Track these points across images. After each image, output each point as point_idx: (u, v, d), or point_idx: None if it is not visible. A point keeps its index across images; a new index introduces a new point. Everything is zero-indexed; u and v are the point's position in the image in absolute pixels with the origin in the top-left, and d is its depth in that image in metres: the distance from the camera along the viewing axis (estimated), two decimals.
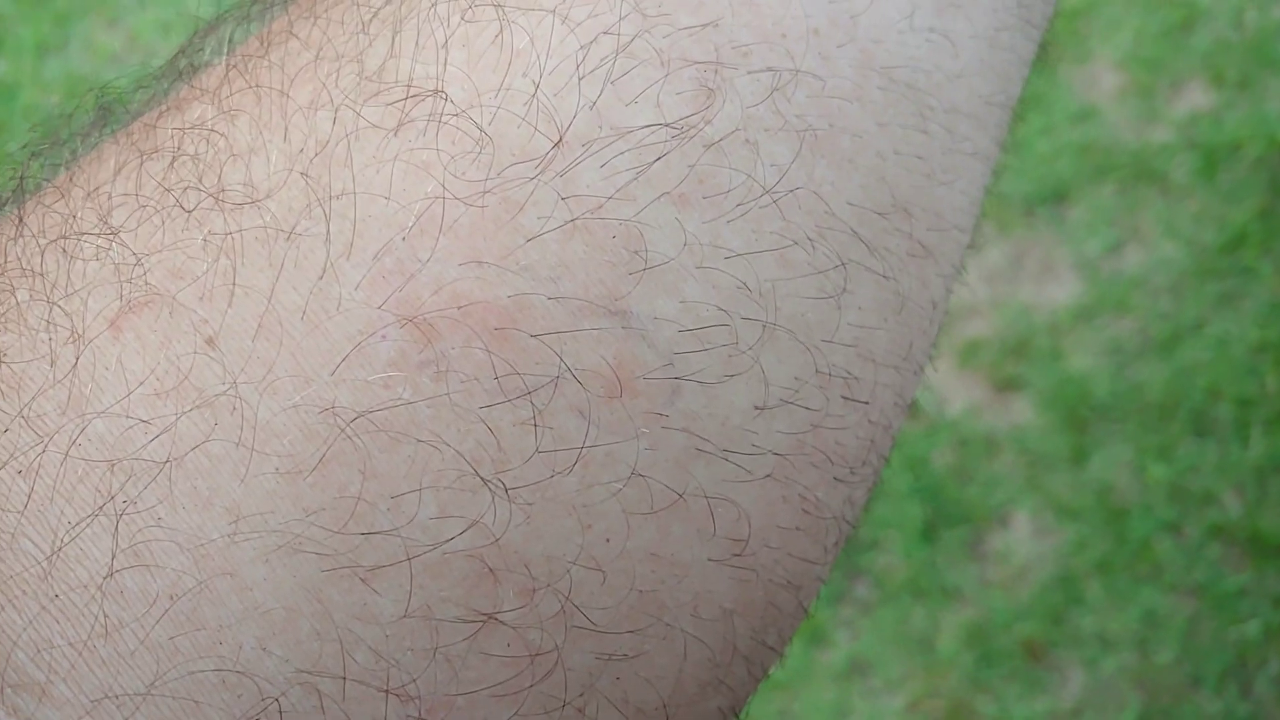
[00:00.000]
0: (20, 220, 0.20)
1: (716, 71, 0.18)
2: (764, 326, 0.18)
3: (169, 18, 2.10)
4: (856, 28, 0.19)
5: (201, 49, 0.22)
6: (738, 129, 0.18)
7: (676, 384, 0.18)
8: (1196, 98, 1.68)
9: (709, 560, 0.18)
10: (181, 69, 0.22)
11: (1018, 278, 1.57)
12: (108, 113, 0.22)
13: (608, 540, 0.17)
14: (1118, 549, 1.37)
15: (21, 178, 0.21)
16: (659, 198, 0.18)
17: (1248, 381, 1.46)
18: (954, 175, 0.21)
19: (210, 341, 0.18)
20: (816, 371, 0.19)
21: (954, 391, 1.49)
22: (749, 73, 0.18)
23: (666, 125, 0.18)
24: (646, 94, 0.18)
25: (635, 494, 0.18)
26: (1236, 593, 1.33)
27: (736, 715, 0.20)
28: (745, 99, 0.18)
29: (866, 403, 0.20)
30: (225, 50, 0.21)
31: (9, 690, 0.17)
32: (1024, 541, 1.39)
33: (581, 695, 0.18)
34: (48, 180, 0.21)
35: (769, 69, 0.18)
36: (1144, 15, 1.74)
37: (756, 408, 0.18)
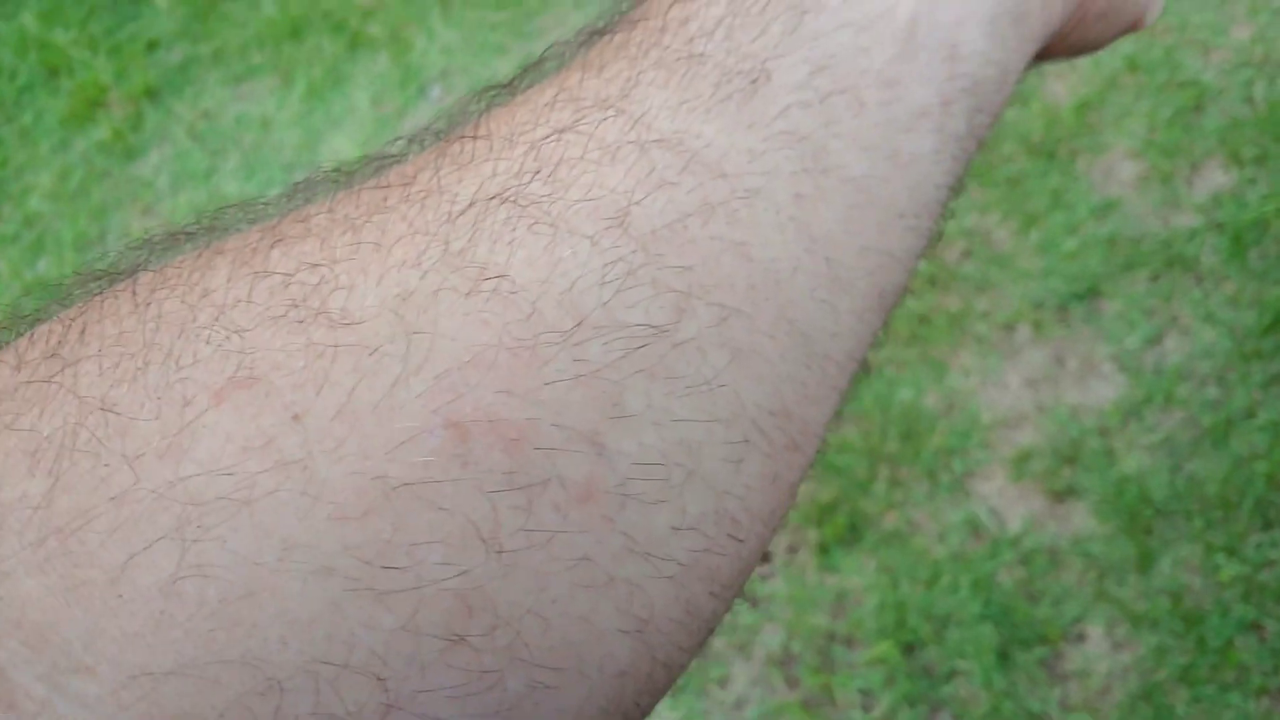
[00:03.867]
0: (135, 298, 0.25)
1: (687, 299, 0.25)
2: (688, 472, 0.25)
3: (200, 200, 2.16)
4: (779, 291, 0.27)
5: (298, 193, 0.28)
6: (694, 338, 0.25)
7: (625, 499, 0.24)
8: (1216, 178, 1.68)
9: (619, 630, 0.24)
10: (284, 209, 0.28)
11: (1060, 380, 1.56)
12: (218, 224, 0.28)
13: (554, 600, 0.23)
14: (1199, 655, 1.35)
15: (137, 263, 0.27)
16: (637, 372, 0.24)
17: None
18: (821, 400, 0.28)
19: (296, 418, 0.22)
20: (716, 511, 0.26)
21: (1011, 506, 1.48)
22: (707, 304, 0.25)
23: (651, 326, 0.25)
24: (641, 304, 0.25)
25: (582, 571, 0.24)
26: None
27: None
28: (702, 321, 0.25)
29: (743, 541, 0.26)
30: (324, 199, 0.27)
31: (58, 674, 0.21)
32: (1102, 656, 1.37)
33: (511, 709, 0.23)
34: (155, 269, 0.26)
35: (720, 304, 0.26)
36: (1154, 101, 1.75)
37: (674, 528, 0.25)
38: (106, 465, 0.22)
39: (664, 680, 0.26)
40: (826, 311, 0.27)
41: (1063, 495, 1.48)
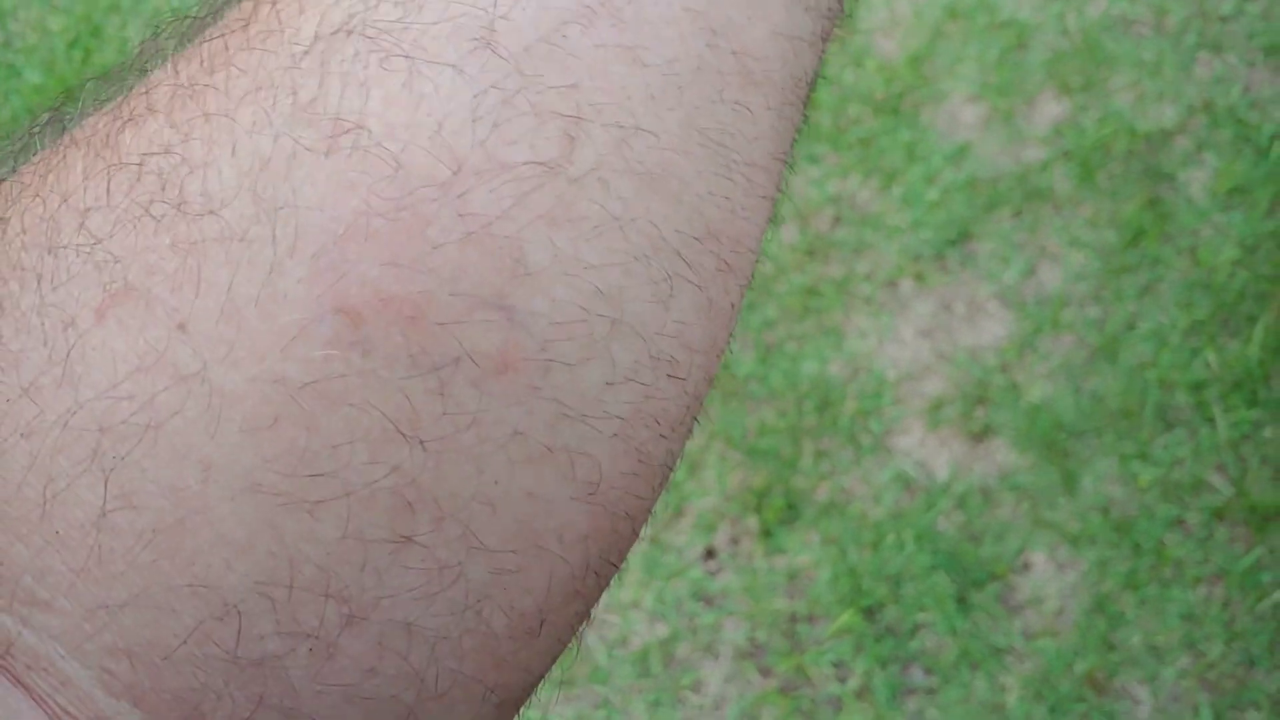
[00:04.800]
0: (2, 219, 0.24)
1: (577, 124, 0.23)
2: (612, 322, 0.23)
3: None
4: (683, 96, 0.24)
5: (145, 61, 0.26)
6: (593, 169, 0.23)
7: (548, 364, 0.23)
8: (1052, 109, 1.76)
9: (571, 499, 0.23)
10: (129, 81, 0.26)
11: (951, 326, 1.61)
12: (61, 116, 0.26)
13: (495, 482, 0.22)
14: (1136, 560, 1.41)
15: None
16: (534, 219, 0.22)
17: (1193, 364, 1.53)
18: (750, 212, 0.26)
19: (181, 326, 0.21)
20: (650, 356, 0.24)
21: (934, 455, 1.52)
22: (602, 126, 0.23)
23: (539, 163, 0.22)
24: (524, 138, 0.22)
25: (517, 447, 0.23)
26: (1254, 567, 1.39)
27: (588, 618, 0.26)
28: (599, 147, 0.23)
29: (684, 379, 0.25)
30: (168, 62, 0.25)
31: (19, 606, 0.21)
32: (1049, 580, 1.42)
33: (479, 601, 0.23)
34: (12, 176, 0.25)
35: (618, 124, 0.23)
36: (981, 44, 1.81)
37: (607, 383, 0.23)
38: (7, 401, 0.21)
39: (629, 530, 0.25)
40: (740, 113, 0.25)
41: (980, 435, 1.52)
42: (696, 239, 0.24)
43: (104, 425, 0.21)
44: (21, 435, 0.21)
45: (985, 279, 1.64)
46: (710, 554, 1.49)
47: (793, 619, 1.44)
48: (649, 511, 0.26)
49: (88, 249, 0.22)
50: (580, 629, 0.26)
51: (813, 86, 0.28)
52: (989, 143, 1.74)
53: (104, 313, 0.22)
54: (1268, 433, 1.47)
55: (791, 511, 1.50)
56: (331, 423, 0.21)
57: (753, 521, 1.50)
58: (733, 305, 0.26)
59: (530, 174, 0.22)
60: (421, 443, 0.22)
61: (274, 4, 0.24)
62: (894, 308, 1.63)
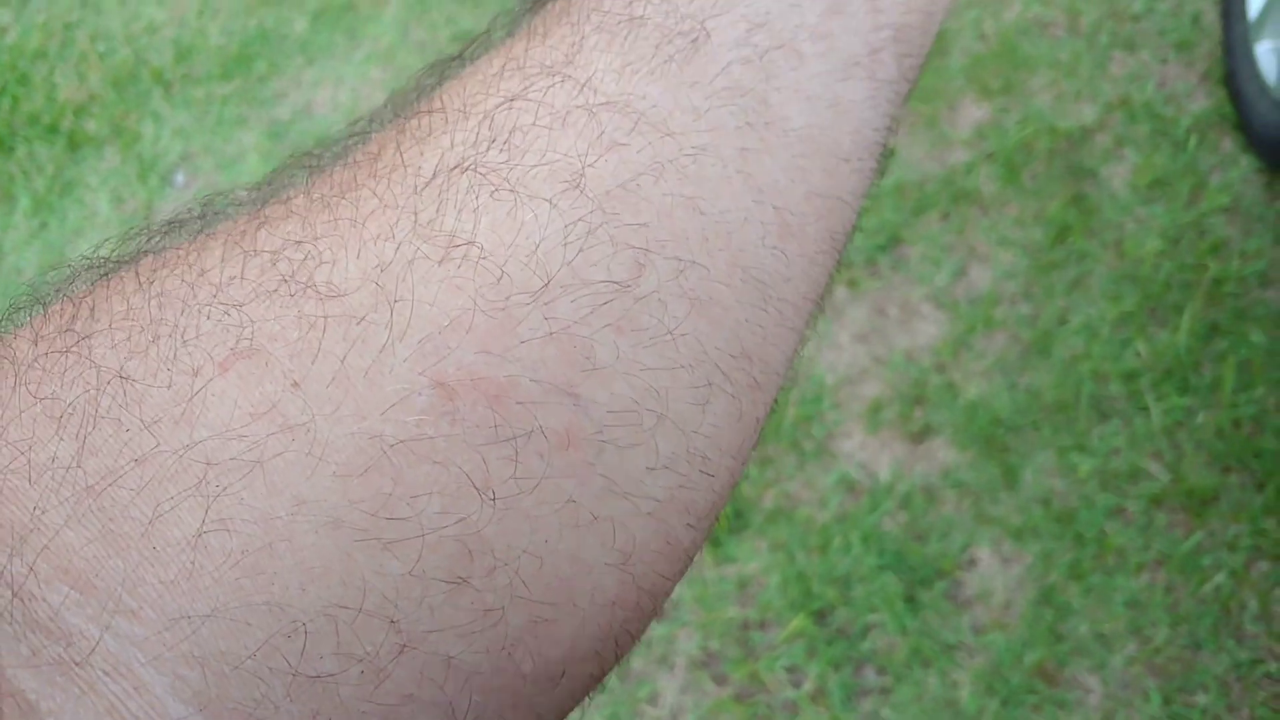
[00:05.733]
0: (138, 278, 0.26)
1: (645, 254, 0.27)
2: (659, 416, 0.27)
3: None
4: (730, 240, 0.28)
5: (279, 182, 0.30)
6: (654, 291, 0.27)
7: (603, 444, 0.26)
8: (973, 112, 1.79)
9: (606, 564, 0.26)
10: (265, 195, 0.29)
11: (887, 329, 1.63)
12: (209, 211, 0.29)
13: (545, 541, 0.25)
14: (1079, 550, 1.43)
15: (138, 250, 0.28)
16: (605, 326, 0.26)
17: (1124, 355, 1.55)
18: (779, 340, 0.30)
19: (295, 385, 0.24)
20: (686, 450, 0.27)
21: (876, 457, 1.53)
22: (664, 258, 0.27)
23: (613, 282, 0.26)
24: (602, 261, 0.26)
25: (568, 513, 0.25)
26: (1194, 551, 1.41)
27: (601, 683, 0.28)
28: (661, 274, 0.27)
29: (714, 476, 0.28)
30: (305, 184, 0.29)
31: (106, 615, 0.22)
32: (995, 575, 1.43)
33: (514, 644, 0.25)
34: (155, 253, 0.28)
35: (677, 258, 0.27)
36: None
37: (648, 468, 0.27)
38: (128, 430, 0.24)
39: (650, 606, 0.28)
40: (777, 257, 0.29)
41: (920, 435, 1.53)
42: (733, 356, 0.28)
43: (212, 460, 0.23)
44: (136, 462, 0.23)
45: (917, 282, 1.65)
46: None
47: (745, 626, 1.43)
48: (667, 594, 0.29)
49: (220, 313, 0.25)
50: (589, 695, 0.28)
51: (849, 238, 0.32)
52: (914, 147, 1.76)
53: (227, 366, 0.24)
54: (1200, 418, 1.50)
55: (739, 520, 1.50)
56: (415, 475, 0.24)
57: None
58: (758, 419, 0.29)
59: (605, 290, 0.26)
60: (491, 500, 0.25)
61: (398, 146, 0.28)
62: (830, 313, 1.64)
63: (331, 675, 0.24)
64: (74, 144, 2.18)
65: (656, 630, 1.43)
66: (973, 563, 1.45)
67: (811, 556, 1.46)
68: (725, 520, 1.49)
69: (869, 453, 1.53)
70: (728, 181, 0.28)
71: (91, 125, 2.21)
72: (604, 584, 0.26)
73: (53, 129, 2.20)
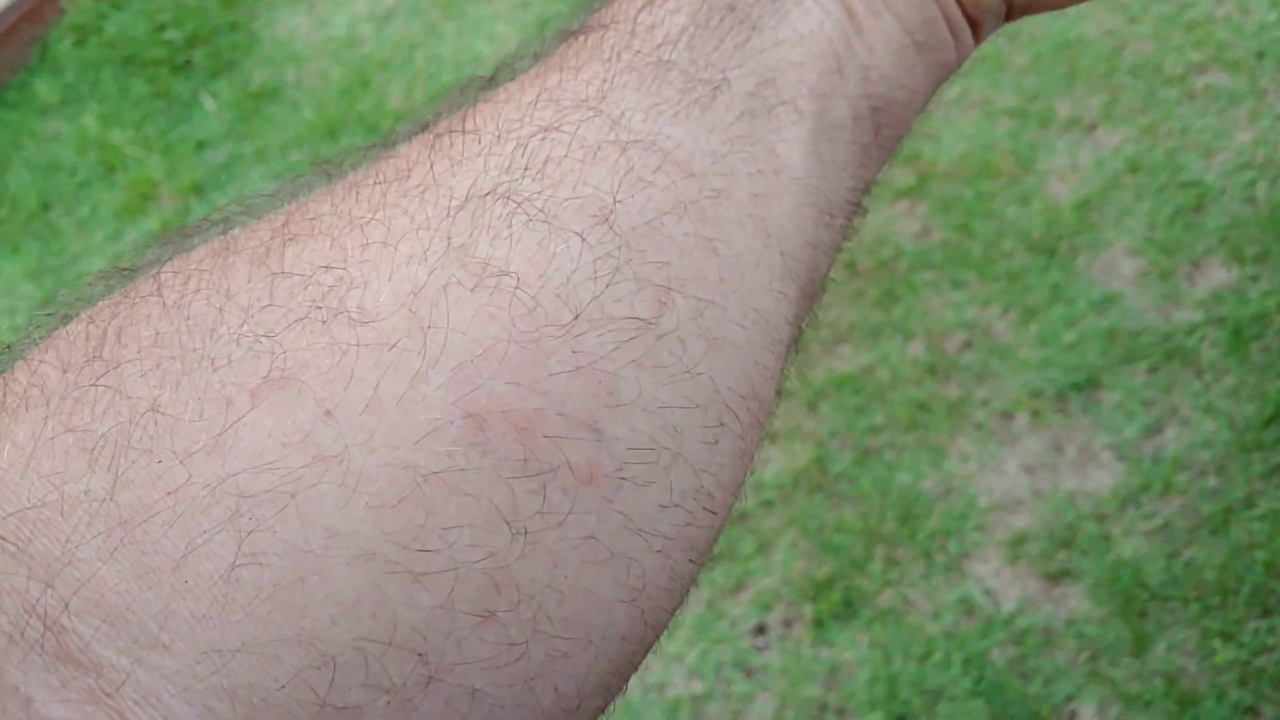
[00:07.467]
0: (163, 300, 0.27)
1: (667, 292, 0.28)
2: (674, 454, 0.27)
3: None
4: (744, 283, 0.29)
5: (296, 192, 0.31)
6: (675, 329, 0.27)
7: (622, 481, 0.26)
8: (1218, 275, 1.71)
9: (618, 600, 0.27)
10: (283, 203, 0.30)
11: (1058, 467, 1.58)
12: (222, 223, 0.30)
13: (566, 576, 0.26)
14: None
15: (151, 262, 0.29)
16: (629, 362, 0.27)
17: None
18: (774, 380, 0.31)
19: (328, 413, 0.24)
20: (695, 488, 0.28)
21: (1006, 587, 1.48)
22: (684, 297, 0.28)
23: (638, 319, 0.27)
24: (627, 298, 0.27)
25: (588, 549, 0.26)
26: None
27: (606, 715, 0.29)
28: (681, 313, 0.28)
29: (716, 513, 0.29)
30: (324, 192, 0.29)
31: (138, 648, 0.23)
32: None
33: (534, 678, 0.26)
34: (177, 270, 0.28)
35: (696, 297, 0.28)
36: (1155, 200, 1.79)
37: (662, 505, 0.27)
38: (160, 463, 0.24)
39: (652, 640, 0.29)
40: (780, 300, 0.30)
41: (1057, 577, 1.48)
42: (742, 396, 0.29)
43: (245, 492, 0.24)
44: (169, 495, 0.24)
45: (1104, 428, 1.60)
46: (761, 630, 1.50)
47: (823, 708, 1.42)
48: (666, 628, 0.29)
49: (250, 340, 0.25)
50: None
51: (823, 288, 0.34)
52: (1140, 297, 1.70)
53: (259, 396, 0.24)
54: None
55: (849, 609, 1.49)
56: (447, 507, 0.24)
57: (808, 609, 1.50)
58: (753, 456, 0.31)
59: (629, 326, 0.27)
60: (519, 534, 0.25)
61: (431, 165, 0.28)
62: (1004, 438, 1.61)
63: (359, 707, 0.24)
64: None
65: (739, 685, 1.45)
66: (1072, 716, 1.37)
67: (908, 663, 1.43)
68: (833, 606, 1.49)
69: (1000, 581, 1.49)
70: (741, 225, 0.29)
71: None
72: (616, 619, 0.27)
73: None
